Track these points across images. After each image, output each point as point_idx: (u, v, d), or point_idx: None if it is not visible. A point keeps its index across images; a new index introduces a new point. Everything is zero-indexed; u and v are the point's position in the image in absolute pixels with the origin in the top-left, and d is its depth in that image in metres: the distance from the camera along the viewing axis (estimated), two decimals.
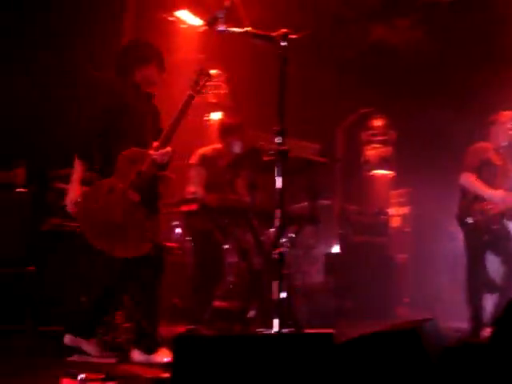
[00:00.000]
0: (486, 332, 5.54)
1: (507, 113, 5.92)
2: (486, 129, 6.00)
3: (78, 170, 4.12)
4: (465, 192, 5.80)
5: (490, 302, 5.82)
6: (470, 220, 5.71)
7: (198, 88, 4.27)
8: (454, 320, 6.13)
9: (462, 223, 5.80)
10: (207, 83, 4.32)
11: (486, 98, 7.94)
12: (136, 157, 4.06)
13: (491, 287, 5.78)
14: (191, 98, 4.26)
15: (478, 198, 5.70)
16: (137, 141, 4.12)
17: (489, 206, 5.68)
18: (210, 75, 4.35)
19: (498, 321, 2.33)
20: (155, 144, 4.11)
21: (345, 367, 2.54)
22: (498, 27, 7.70)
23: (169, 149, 4.15)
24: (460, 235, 6.00)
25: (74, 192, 4.07)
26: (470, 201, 5.75)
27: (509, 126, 5.86)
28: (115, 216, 3.95)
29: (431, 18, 8.47)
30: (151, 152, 4.08)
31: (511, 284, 5.67)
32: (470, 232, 5.76)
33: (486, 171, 5.78)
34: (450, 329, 5.76)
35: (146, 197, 4.04)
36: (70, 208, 4.06)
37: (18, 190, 5.17)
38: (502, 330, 2.33)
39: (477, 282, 5.75)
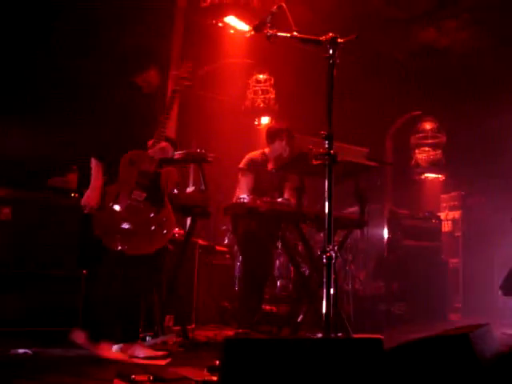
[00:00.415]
0: None
1: None
2: None
3: (98, 171, 4.21)
4: None
5: None
6: None
7: (182, 81, 4.39)
8: (509, 325, 6.00)
9: None
10: (186, 73, 4.44)
11: None
12: (134, 158, 4.20)
13: None
14: (175, 92, 4.38)
15: None
16: (141, 141, 4.25)
17: None
18: (190, 65, 4.47)
19: None
20: (150, 142, 4.23)
21: (394, 373, 2.51)
22: None
23: (163, 144, 4.27)
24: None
25: (95, 194, 4.15)
26: None
27: None
28: (126, 220, 4.07)
29: (481, 17, 8.31)
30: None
31: None
32: None
33: None
34: (504, 335, 5.64)
35: (152, 193, 4.17)
36: (88, 210, 4.13)
37: (71, 194, 5.29)
38: None
39: None
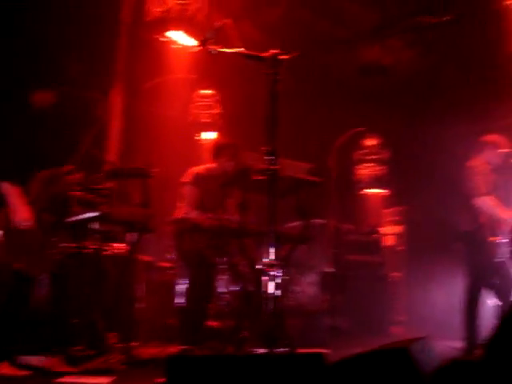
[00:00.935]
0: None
1: (499, 137, 6.00)
2: (479, 147, 6.05)
3: (15, 189, 4.07)
4: (477, 214, 5.81)
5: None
6: (492, 240, 5.72)
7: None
8: (449, 338, 6.10)
9: (474, 247, 5.80)
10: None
11: (478, 113, 8.00)
12: (49, 178, 4.16)
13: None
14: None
15: (494, 222, 5.74)
16: (51, 161, 4.22)
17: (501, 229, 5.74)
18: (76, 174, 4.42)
19: (489, 340, 2.32)
20: (68, 167, 4.21)
21: None
22: (490, 46, 7.76)
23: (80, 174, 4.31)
24: (458, 255, 6.03)
25: (27, 209, 4.03)
26: (487, 223, 5.76)
27: (500, 149, 5.93)
28: (31, 238, 4.03)
29: (423, 38, 8.54)
30: (68, 176, 4.24)
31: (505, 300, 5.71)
32: (487, 252, 5.75)
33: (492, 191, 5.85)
34: (445, 347, 5.73)
35: (59, 216, 4.18)
36: (26, 225, 4.02)
37: None
38: (493, 349, 2.32)
39: (476, 301, 5.77)
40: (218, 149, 6.00)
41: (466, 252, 5.89)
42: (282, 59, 3.39)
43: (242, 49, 3.53)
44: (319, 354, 2.51)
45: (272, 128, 3.45)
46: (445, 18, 6.87)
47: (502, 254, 5.73)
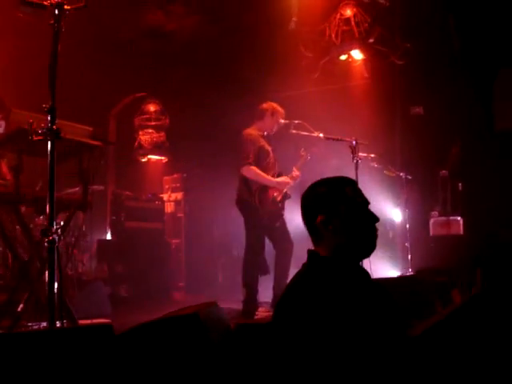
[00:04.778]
0: (260, 312, 5.78)
1: (276, 105, 6.19)
2: (257, 115, 6.19)
3: None
4: (248, 182, 5.92)
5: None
6: (261, 210, 5.85)
7: None
8: (228, 302, 6.27)
9: (251, 212, 5.91)
10: None
11: (258, 85, 8.24)
12: None
13: (263, 270, 6.01)
14: None
15: (265, 188, 5.90)
16: None
17: (275, 194, 5.92)
18: None
19: (277, 304, 2.35)
20: None
21: (128, 357, 2.42)
22: (270, 21, 8.01)
23: None
24: (234, 221, 6.15)
25: None
26: (256, 191, 5.88)
27: (280, 118, 6.12)
28: None
29: (205, 6, 8.57)
30: None
31: (283, 269, 5.96)
32: (259, 220, 5.89)
33: (263, 159, 6.00)
34: (227, 311, 5.88)
35: None
36: None
37: None
38: (280, 313, 2.35)
39: (255, 266, 5.94)
40: None
41: (244, 218, 6.03)
42: (67, 9, 3.12)
43: None
44: (107, 326, 2.38)
45: (52, 85, 3.18)
46: None
47: (275, 219, 5.98)
